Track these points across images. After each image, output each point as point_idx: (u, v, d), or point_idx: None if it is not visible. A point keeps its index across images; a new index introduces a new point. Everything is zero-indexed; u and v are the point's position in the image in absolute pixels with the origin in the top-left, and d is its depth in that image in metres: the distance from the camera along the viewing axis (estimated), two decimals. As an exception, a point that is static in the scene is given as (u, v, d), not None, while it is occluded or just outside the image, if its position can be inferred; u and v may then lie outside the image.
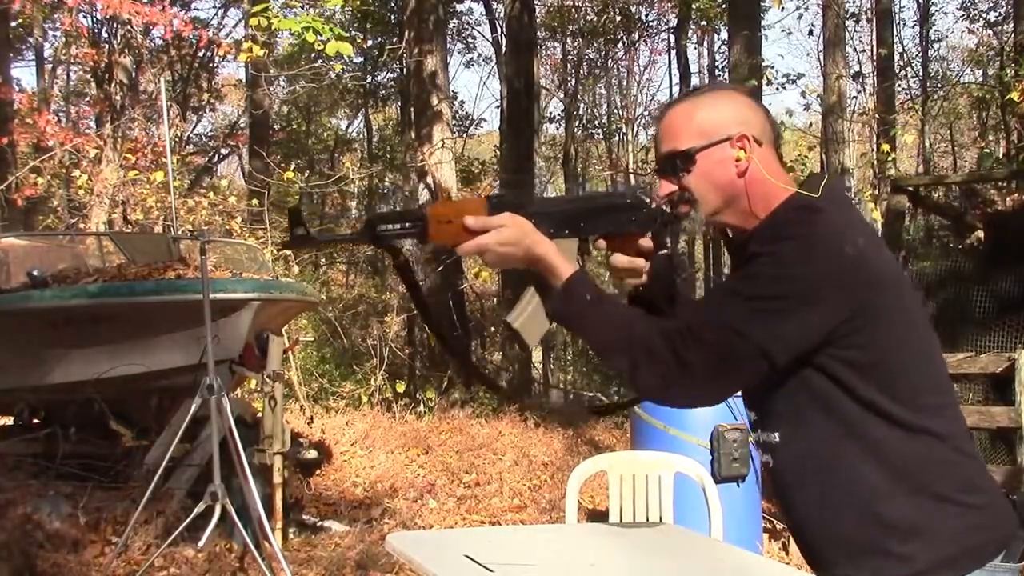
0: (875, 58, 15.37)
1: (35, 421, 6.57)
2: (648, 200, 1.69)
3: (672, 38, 20.65)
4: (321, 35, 7.22)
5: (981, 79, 16.75)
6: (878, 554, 1.51)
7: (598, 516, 5.64)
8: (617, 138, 23.24)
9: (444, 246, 1.66)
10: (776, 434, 1.59)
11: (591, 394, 14.16)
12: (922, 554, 1.49)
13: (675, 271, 1.73)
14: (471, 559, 1.78)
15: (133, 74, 14.29)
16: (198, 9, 25.73)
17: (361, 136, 22.83)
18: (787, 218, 1.56)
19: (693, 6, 16.47)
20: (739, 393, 1.65)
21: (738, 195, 1.61)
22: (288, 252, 11.10)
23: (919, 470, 1.51)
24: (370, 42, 18.12)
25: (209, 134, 21.71)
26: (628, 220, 1.67)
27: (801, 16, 31.00)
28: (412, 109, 13.99)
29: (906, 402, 1.50)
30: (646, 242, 1.67)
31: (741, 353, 1.47)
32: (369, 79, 19.33)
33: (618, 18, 20.21)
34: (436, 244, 1.58)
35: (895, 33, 15.80)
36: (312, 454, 6.63)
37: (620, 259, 1.67)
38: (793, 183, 1.62)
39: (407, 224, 1.54)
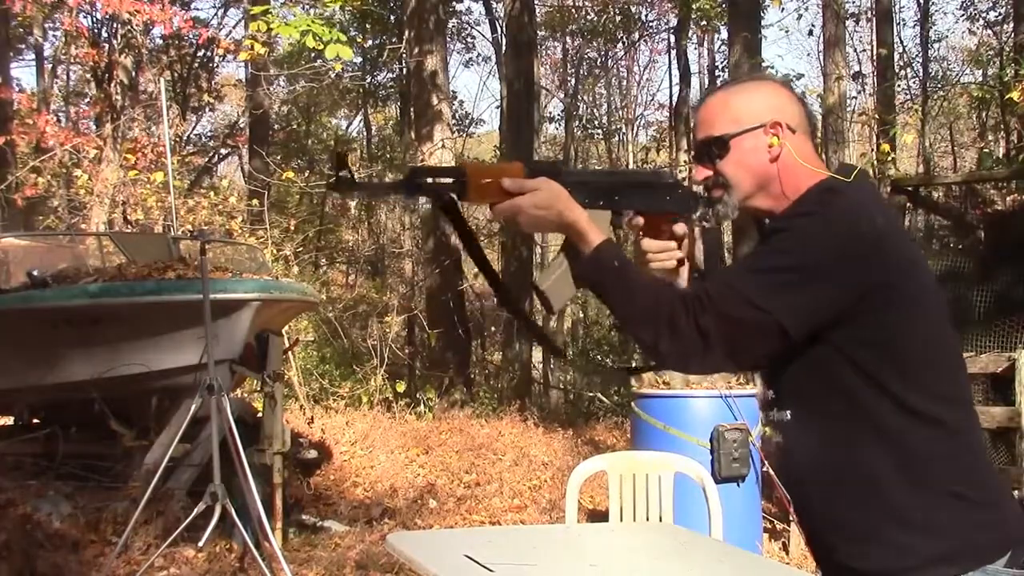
0: (875, 58, 15.37)
1: (35, 421, 6.57)
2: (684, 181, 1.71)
3: (672, 38, 20.64)
4: (322, 38, 7.19)
5: (981, 79, 16.74)
6: (878, 542, 1.51)
7: (598, 516, 5.64)
8: (617, 138, 23.23)
9: (479, 204, 1.67)
10: (788, 412, 1.60)
11: (592, 394, 14.15)
12: (922, 547, 1.49)
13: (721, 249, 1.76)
14: (471, 559, 1.78)
15: (133, 74, 14.28)
16: (198, 9, 25.74)
17: (361, 136, 22.83)
18: (808, 198, 1.59)
19: (693, 6, 16.46)
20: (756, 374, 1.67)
21: (771, 180, 1.64)
22: (288, 252, 11.11)
23: (928, 461, 1.50)
24: (370, 42, 18.11)
25: (209, 134, 21.72)
26: (663, 199, 1.69)
27: (800, 16, 30.96)
28: (412, 109, 13.99)
29: (920, 390, 1.51)
30: (679, 228, 1.69)
31: (758, 325, 1.49)
32: (369, 79, 19.32)
33: (618, 18, 20.21)
34: (472, 202, 1.59)
35: (895, 33, 15.79)
36: (312, 454, 6.63)
37: (652, 243, 1.69)
38: (827, 170, 1.64)
39: (447, 179, 1.56)
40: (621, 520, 3.18)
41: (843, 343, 1.51)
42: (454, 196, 1.55)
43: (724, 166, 1.65)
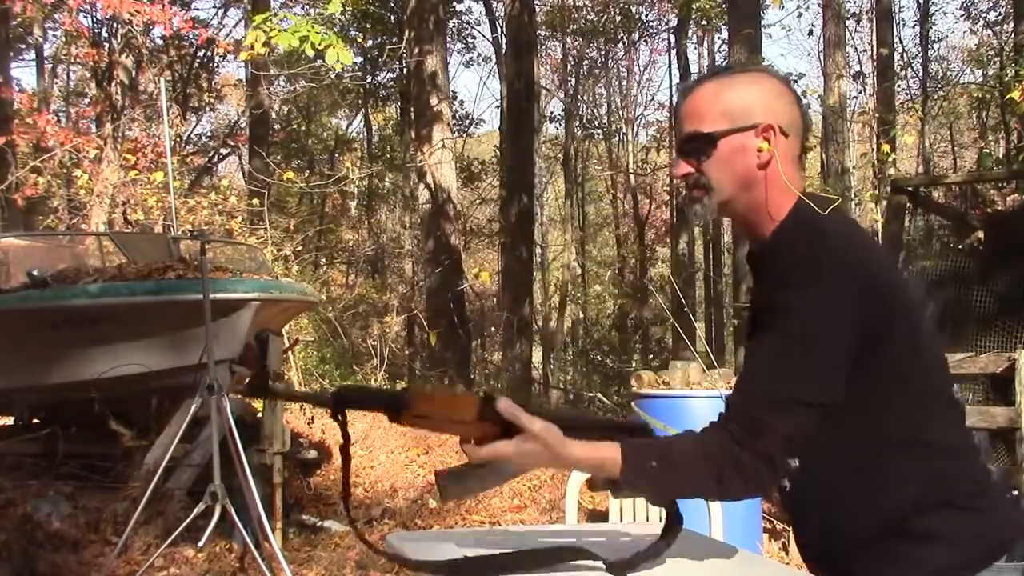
0: (875, 58, 15.37)
1: (35, 421, 6.57)
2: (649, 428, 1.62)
3: (672, 38, 20.65)
4: (319, 44, 7.13)
5: (981, 79, 16.74)
6: (890, 561, 1.52)
7: (598, 516, 5.64)
8: (617, 138, 23.23)
9: (414, 429, 1.59)
10: (795, 460, 1.56)
11: (592, 394, 14.15)
12: (936, 559, 1.49)
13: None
14: (470, 560, 1.78)
15: (133, 74, 14.29)
16: (198, 9, 25.73)
17: (361, 136, 22.84)
18: (797, 240, 1.51)
19: (693, 6, 16.47)
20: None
21: (754, 186, 1.57)
22: (288, 252, 11.11)
23: (933, 481, 1.51)
24: (370, 42, 18.12)
25: (209, 134, 21.74)
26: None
27: (801, 16, 31.03)
28: (412, 109, 13.99)
29: (918, 405, 1.51)
30: None
31: (807, 416, 1.45)
32: (369, 79, 19.33)
33: (618, 18, 20.21)
34: (406, 426, 1.51)
35: (895, 33, 15.79)
36: (312, 454, 6.63)
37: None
38: (802, 180, 1.61)
39: (380, 402, 1.49)
40: (621, 520, 3.18)
41: (852, 382, 1.47)
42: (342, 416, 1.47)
43: (708, 167, 1.58)
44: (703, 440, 1.49)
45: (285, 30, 7.25)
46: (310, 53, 7.23)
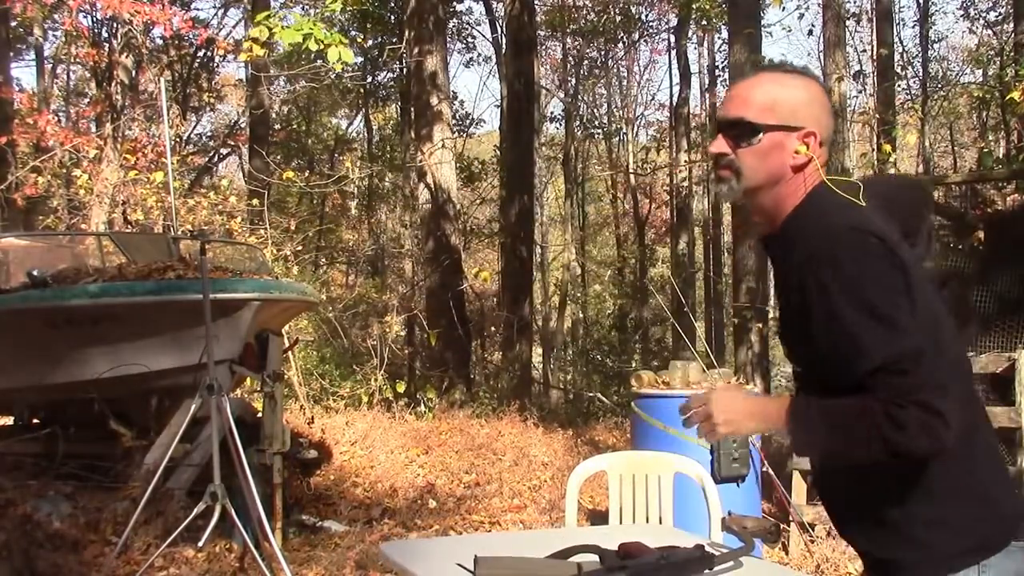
0: (875, 58, 15.35)
1: (35, 421, 6.57)
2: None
3: (672, 38, 20.65)
4: (322, 42, 7.14)
5: (981, 79, 16.74)
6: (901, 543, 1.56)
7: (598, 516, 5.65)
8: (617, 138, 23.23)
9: None
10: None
11: (592, 394, 14.16)
12: (943, 545, 1.54)
13: None
14: (462, 567, 1.78)
15: (133, 74, 14.29)
16: (198, 9, 25.72)
17: (361, 136, 22.82)
18: (841, 237, 1.53)
19: (693, 6, 16.46)
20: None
21: (782, 183, 1.63)
22: (288, 252, 11.10)
23: (945, 470, 1.53)
24: (370, 42, 18.11)
25: (209, 134, 21.73)
26: None
27: (802, 16, 31.02)
28: (412, 109, 13.99)
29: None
30: None
31: (931, 363, 1.46)
32: (369, 79, 19.32)
33: (618, 18, 20.20)
34: None
35: (895, 33, 15.79)
36: (312, 454, 6.62)
37: None
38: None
39: None
40: (621, 521, 3.18)
41: None
42: None
43: (744, 153, 1.63)
44: (863, 399, 1.48)
45: (288, 27, 7.27)
46: (313, 49, 7.24)
